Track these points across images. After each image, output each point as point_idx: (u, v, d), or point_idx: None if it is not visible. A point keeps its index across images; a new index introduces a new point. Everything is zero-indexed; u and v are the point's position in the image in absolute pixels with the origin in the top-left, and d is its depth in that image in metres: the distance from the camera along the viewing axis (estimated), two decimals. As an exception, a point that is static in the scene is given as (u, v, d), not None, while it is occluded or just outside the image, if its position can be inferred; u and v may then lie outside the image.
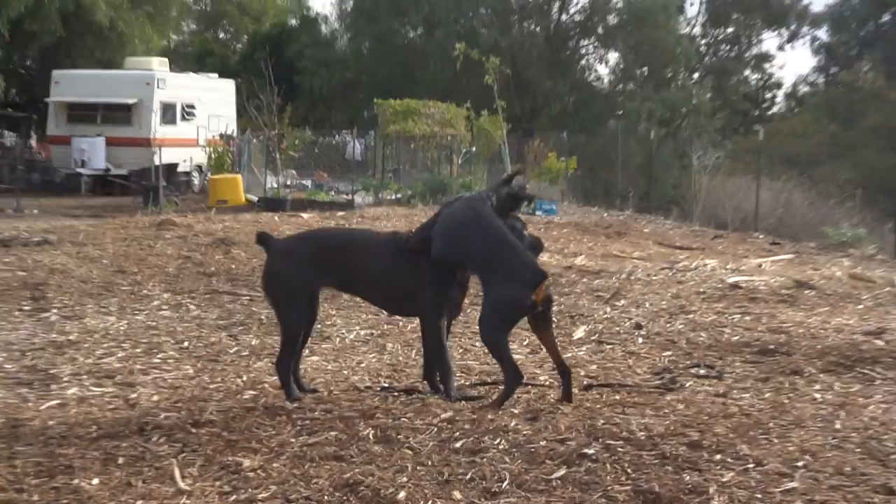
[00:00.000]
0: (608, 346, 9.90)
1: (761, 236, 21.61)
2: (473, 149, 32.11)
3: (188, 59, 53.52)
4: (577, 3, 53.38)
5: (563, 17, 53.12)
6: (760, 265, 16.04)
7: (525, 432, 6.30)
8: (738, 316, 11.39)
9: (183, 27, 64.57)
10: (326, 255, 7.66)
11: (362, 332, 10.68)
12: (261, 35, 50.40)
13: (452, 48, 34.23)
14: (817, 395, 7.82)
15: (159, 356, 9.52)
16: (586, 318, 11.40)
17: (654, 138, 39.39)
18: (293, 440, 6.28)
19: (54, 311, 11.87)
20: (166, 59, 38.70)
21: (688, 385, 8.08)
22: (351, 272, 7.67)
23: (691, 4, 56.42)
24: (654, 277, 14.33)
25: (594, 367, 8.93)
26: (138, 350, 9.77)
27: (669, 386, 8.01)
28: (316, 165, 36.26)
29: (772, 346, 9.65)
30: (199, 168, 36.32)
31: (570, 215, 25.60)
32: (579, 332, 10.57)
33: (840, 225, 22.41)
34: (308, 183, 34.31)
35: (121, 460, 6.10)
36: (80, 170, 34.89)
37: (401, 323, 11.17)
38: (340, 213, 24.64)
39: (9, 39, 38.78)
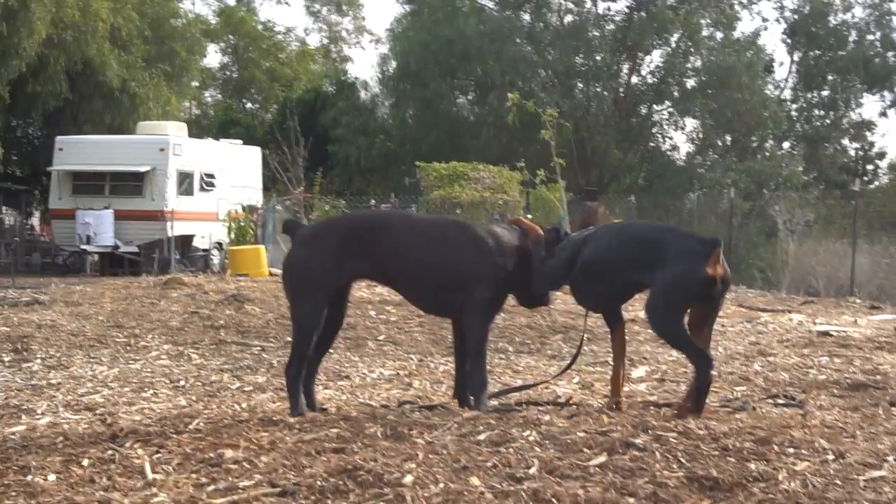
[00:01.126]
0: (671, 383, 9.62)
1: (858, 300, 21.21)
2: (529, 216, 31.95)
3: (210, 131, 53.93)
4: (650, 64, 53.40)
5: (634, 79, 53.15)
6: (856, 321, 15.69)
7: (560, 425, 6.06)
8: (826, 359, 11.08)
9: (205, 96, 65.41)
10: (357, 242, 7.44)
11: (386, 372, 10.47)
12: (292, 102, 50.74)
13: (507, 111, 34.27)
14: (918, 420, 7.49)
15: (150, 392, 9.36)
16: (648, 360, 11.16)
17: (737, 213, 39.05)
18: (287, 438, 6.07)
19: (38, 361, 11.74)
20: (184, 124, 38.80)
21: (763, 410, 7.77)
22: (386, 260, 7.46)
23: (780, 65, 56.12)
24: (730, 329, 14.08)
25: (654, 397, 8.67)
26: (127, 388, 9.61)
27: (741, 406, 7.71)
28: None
29: (864, 382, 9.33)
30: (220, 245, 36.17)
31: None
32: (639, 372, 10.31)
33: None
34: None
35: (85, 462, 5.91)
36: (85, 246, 34.77)
37: (432, 364, 11.00)
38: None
39: (9, 102, 39.00)
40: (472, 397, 7.31)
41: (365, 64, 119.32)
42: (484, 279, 7.30)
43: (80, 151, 35.64)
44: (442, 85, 52.34)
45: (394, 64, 54.91)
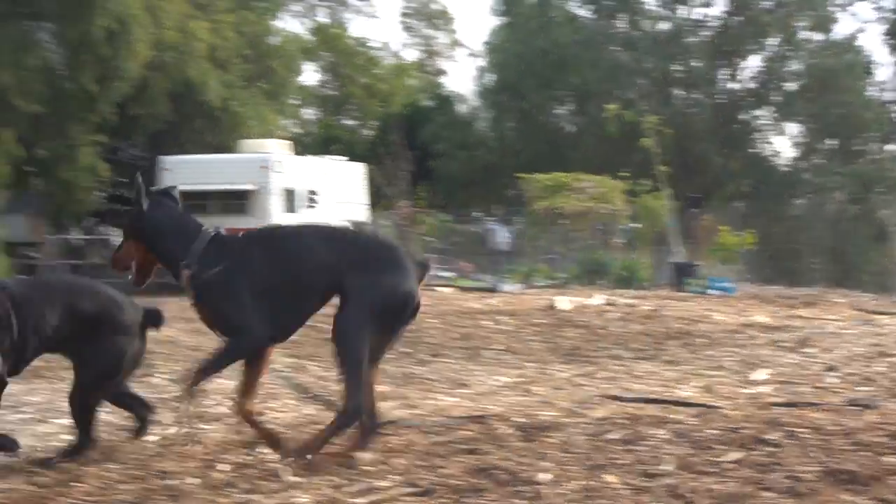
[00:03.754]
0: (794, 384, 9.57)
1: None
2: (631, 225, 31.90)
3: (312, 148, 54.12)
4: (746, 69, 52.91)
5: (733, 84, 52.68)
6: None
7: (691, 422, 6.10)
8: (957, 359, 10.95)
9: (304, 114, 65.72)
10: None
11: (504, 380, 10.53)
12: (392, 118, 50.98)
13: (606, 122, 34.25)
14: None
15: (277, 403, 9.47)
16: (768, 364, 11.09)
17: (844, 217, 38.67)
18: (419, 441, 6.16)
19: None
20: (286, 141, 38.87)
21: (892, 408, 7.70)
22: None
23: (882, 66, 55.35)
24: (848, 331, 13.93)
25: (777, 399, 8.63)
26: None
27: (869, 404, 7.64)
28: (456, 255, 36.10)
29: None
30: (327, 264, 36.11)
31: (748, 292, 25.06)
32: (760, 375, 10.27)
33: None
34: (446, 275, 33.88)
35: (226, 467, 6.05)
36: (187, 267, 34.94)
37: (549, 371, 11.08)
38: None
39: (115, 125, 39.38)
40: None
41: (459, 77, 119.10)
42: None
43: (184, 171, 35.60)
44: (540, 96, 52.25)
45: (491, 77, 55.00)
